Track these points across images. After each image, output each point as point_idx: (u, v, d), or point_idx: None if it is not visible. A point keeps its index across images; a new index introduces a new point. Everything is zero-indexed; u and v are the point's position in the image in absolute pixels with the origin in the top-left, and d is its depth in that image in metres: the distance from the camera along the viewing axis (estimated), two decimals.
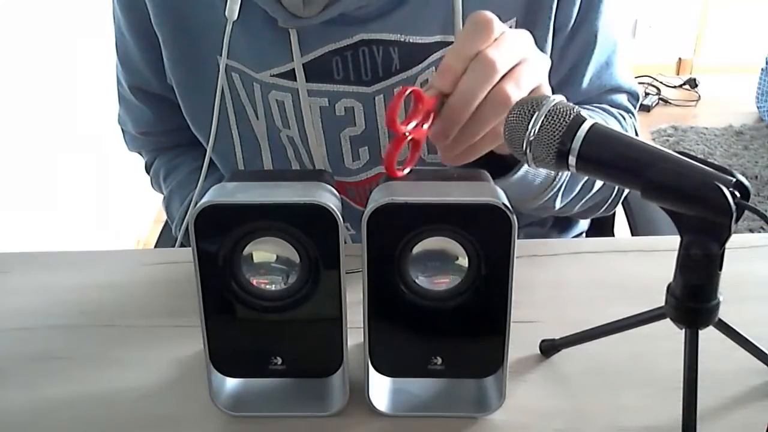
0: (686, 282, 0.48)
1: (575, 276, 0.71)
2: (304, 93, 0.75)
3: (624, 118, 0.83)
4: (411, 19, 0.72)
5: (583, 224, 0.96)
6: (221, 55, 0.75)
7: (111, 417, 0.56)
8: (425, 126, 0.54)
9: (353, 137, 0.78)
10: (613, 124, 0.80)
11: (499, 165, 0.65)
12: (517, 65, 0.55)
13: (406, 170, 0.53)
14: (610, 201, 0.84)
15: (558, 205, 0.76)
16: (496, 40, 0.54)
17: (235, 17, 0.72)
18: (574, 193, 0.77)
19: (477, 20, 0.54)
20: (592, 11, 0.75)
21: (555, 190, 0.73)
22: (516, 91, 0.54)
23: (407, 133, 0.52)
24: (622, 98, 0.84)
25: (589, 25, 0.76)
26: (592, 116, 0.76)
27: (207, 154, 0.80)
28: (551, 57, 0.75)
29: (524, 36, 0.57)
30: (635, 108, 0.86)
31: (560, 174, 0.71)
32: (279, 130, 0.80)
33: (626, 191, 0.86)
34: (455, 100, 0.53)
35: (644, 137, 0.85)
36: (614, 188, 0.83)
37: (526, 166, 0.65)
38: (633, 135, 0.82)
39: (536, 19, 0.73)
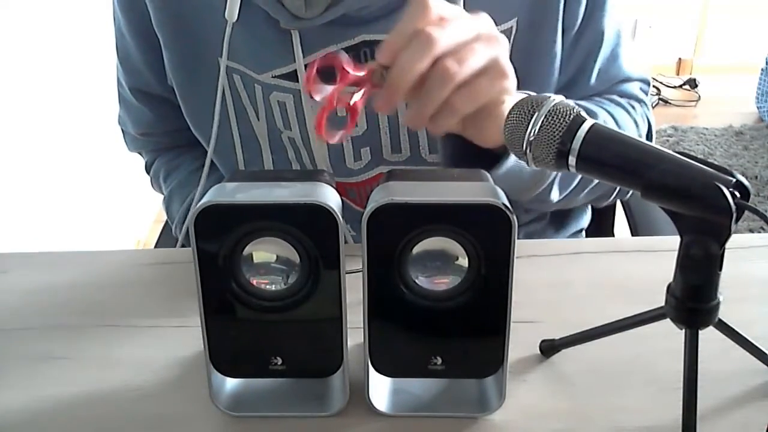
0: (686, 282, 0.48)
1: (575, 276, 0.71)
2: (306, 94, 0.75)
3: (633, 108, 0.83)
4: None
5: (583, 221, 0.96)
6: (222, 57, 0.75)
7: (111, 417, 0.56)
8: (356, 96, 0.58)
9: (355, 137, 0.78)
10: (621, 116, 0.80)
11: (490, 157, 0.65)
12: (465, 43, 0.56)
13: (338, 136, 0.59)
14: (618, 189, 0.84)
15: (555, 197, 0.76)
16: (442, 20, 0.56)
17: (235, 19, 0.72)
18: (574, 185, 0.76)
19: (417, 1, 0.57)
20: (598, 9, 0.76)
21: (548, 182, 0.72)
22: (456, 66, 0.55)
23: (317, 98, 0.58)
24: (632, 87, 0.84)
25: (596, 23, 0.77)
26: (597, 111, 0.76)
27: (208, 155, 0.80)
28: (561, 57, 0.76)
29: (479, 19, 0.58)
30: (647, 94, 0.86)
31: None
32: (280, 131, 0.80)
33: None
34: (393, 71, 0.56)
35: None
36: None
37: (513, 158, 0.65)
38: (644, 124, 0.83)
39: (544, 20, 0.74)
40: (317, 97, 0.58)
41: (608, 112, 0.79)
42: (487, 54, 0.57)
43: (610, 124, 0.77)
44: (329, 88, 0.57)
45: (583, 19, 0.76)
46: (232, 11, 0.71)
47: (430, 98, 0.57)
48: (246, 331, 0.54)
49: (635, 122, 0.82)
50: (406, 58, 0.55)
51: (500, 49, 0.58)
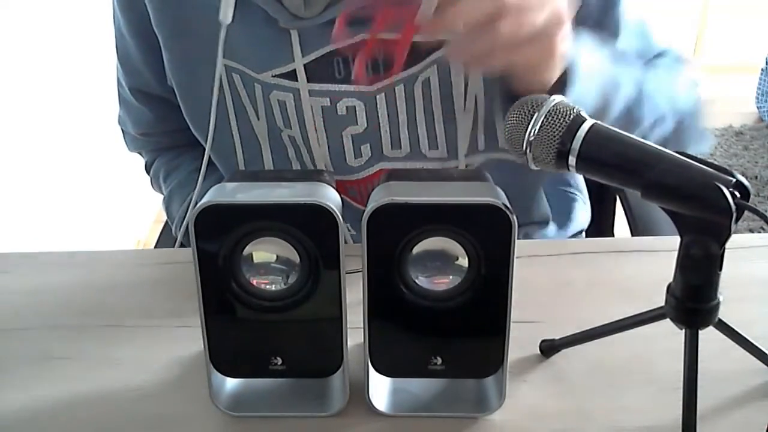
0: (686, 282, 0.48)
1: (575, 276, 0.71)
2: (305, 93, 0.75)
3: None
4: None
5: (583, 222, 0.96)
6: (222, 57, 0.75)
7: (111, 417, 0.56)
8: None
9: (355, 135, 0.78)
10: (663, 74, 0.81)
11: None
12: (530, 7, 0.55)
13: (383, 82, 0.63)
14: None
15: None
16: None
17: (229, 21, 0.72)
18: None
19: None
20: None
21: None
22: (510, 31, 0.54)
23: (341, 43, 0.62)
24: (667, 58, 0.85)
25: (615, 13, 0.75)
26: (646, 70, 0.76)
27: (205, 154, 0.80)
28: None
29: None
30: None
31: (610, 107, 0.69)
32: (280, 130, 0.80)
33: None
34: (450, 13, 0.54)
35: None
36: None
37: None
38: (692, 83, 0.87)
39: None
40: (340, 43, 0.59)
41: (657, 70, 0.79)
42: (544, 29, 0.56)
43: (665, 78, 0.79)
44: (360, 35, 0.57)
45: (601, 12, 0.74)
46: (226, 14, 0.72)
47: (470, 47, 0.56)
48: (246, 331, 0.54)
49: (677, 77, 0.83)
50: (472, 6, 0.54)
51: (560, 28, 0.57)
